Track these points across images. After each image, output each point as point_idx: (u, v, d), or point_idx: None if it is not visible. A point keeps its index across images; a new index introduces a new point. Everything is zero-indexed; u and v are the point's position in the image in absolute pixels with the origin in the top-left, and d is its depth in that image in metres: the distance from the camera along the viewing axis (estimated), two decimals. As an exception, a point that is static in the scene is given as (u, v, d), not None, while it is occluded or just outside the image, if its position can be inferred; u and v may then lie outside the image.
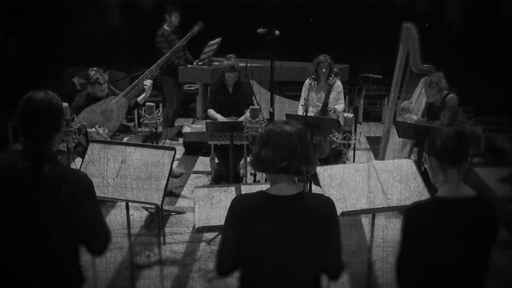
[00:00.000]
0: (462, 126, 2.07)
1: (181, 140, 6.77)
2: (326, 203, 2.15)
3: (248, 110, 4.62)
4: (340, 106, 5.75)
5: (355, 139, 4.54)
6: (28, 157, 2.07)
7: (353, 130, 4.48)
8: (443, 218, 2.15)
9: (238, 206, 2.12)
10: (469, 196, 2.18)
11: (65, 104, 4.29)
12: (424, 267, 2.15)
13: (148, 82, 5.50)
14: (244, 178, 5.46)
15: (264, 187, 2.22)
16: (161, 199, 3.31)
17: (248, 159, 5.57)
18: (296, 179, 2.15)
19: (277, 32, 5.38)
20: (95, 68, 5.26)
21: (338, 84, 5.80)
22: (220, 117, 5.62)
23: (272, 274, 2.09)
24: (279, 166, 2.06)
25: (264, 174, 5.11)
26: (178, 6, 6.97)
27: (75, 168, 2.28)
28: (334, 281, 2.21)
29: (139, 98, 5.52)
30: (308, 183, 5.05)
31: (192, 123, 6.80)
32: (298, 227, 2.07)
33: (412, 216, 2.20)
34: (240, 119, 5.21)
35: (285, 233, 2.06)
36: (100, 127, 4.97)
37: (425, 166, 2.28)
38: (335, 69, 5.67)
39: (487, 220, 2.17)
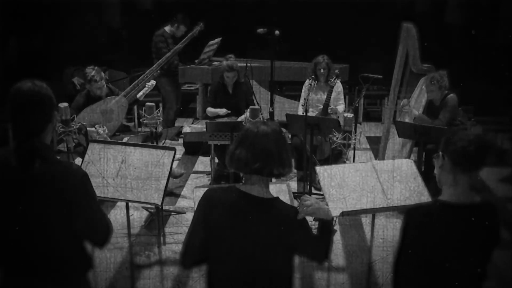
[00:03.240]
0: (484, 133, 2.02)
1: (181, 140, 6.77)
2: (293, 211, 2.13)
3: (248, 110, 4.62)
4: (340, 107, 5.75)
5: (355, 139, 4.54)
6: (19, 151, 2.04)
7: (353, 130, 4.48)
8: (443, 222, 2.12)
9: (209, 199, 2.13)
10: (472, 202, 2.14)
11: (65, 104, 4.31)
12: (421, 270, 2.13)
13: (151, 83, 5.52)
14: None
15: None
16: (161, 199, 3.31)
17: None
18: (269, 181, 2.16)
19: (277, 32, 5.39)
20: (91, 67, 5.28)
21: (338, 85, 5.79)
22: (220, 110, 5.61)
23: (236, 269, 2.10)
24: (251, 167, 2.07)
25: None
26: (188, 20, 6.95)
27: (69, 161, 2.24)
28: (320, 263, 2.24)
29: (139, 94, 5.54)
30: (308, 185, 5.06)
31: (192, 123, 6.81)
32: (263, 228, 2.08)
33: (412, 218, 2.17)
34: (240, 119, 5.21)
35: (251, 231, 2.07)
36: (100, 127, 4.98)
37: (434, 162, 2.23)
38: (336, 71, 5.65)
39: (487, 227, 2.14)
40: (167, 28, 6.98)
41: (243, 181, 2.18)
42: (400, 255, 2.20)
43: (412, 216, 2.19)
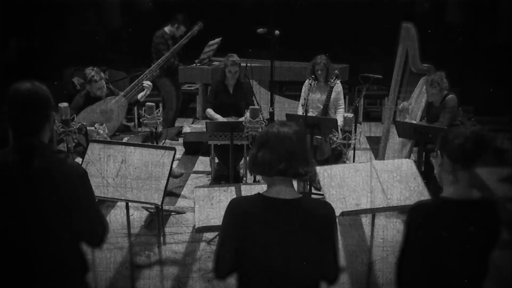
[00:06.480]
0: (482, 129, 2.00)
1: (181, 140, 6.77)
2: (325, 208, 2.13)
3: (248, 110, 4.62)
4: (340, 115, 5.63)
5: (355, 139, 4.54)
6: (18, 150, 2.05)
7: (353, 130, 4.47)
8: (446, 218, 2.13)
9: (236, 208, 2.10)
10: (474, 198, 2.15)
11: (65, 104, 4.31)
12: (425, 267, 2.15)
13: (147, 84, 5.52)
14: (244, 178, 5.45)
15: (265, 187, 2.21)
16: (161, 199, 3.31)
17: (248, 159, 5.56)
18: (293, 181, 2.13)
19: (277, 32, 5.38)
20: (91, 67, 5.28)
21: (338, 85, 5.78)
22: (220, 118, 5.62)
23: (270, 276, 2.08)
24: (276, 168, 2.04)
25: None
26: (188, 21, 6.93)
27: (68, 159, 2.23)
28: (332, 285, 2.19)
29: (139, 95, 5.53)
30: (308, 184, 5.06)
31: (192, 123, 6.81)
32: (296, 231, 2.05)
33: (415, 214, 2.18)
34: (240, 119, 5.20)
35: (283, 236, 2.05)
36: (101, 125, 4.97)
37: (433, 161, 2.24)
38: (336, 71, 5.64)
39: (489, 223, 2.15)
40: (167, 29, 6.96)
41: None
42: (404, 252, 2.20)
43: (415, 213, 2.19)
